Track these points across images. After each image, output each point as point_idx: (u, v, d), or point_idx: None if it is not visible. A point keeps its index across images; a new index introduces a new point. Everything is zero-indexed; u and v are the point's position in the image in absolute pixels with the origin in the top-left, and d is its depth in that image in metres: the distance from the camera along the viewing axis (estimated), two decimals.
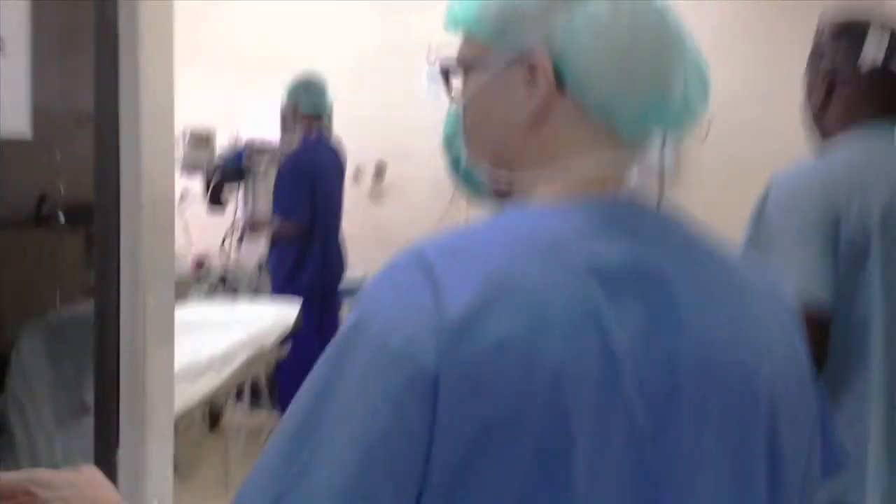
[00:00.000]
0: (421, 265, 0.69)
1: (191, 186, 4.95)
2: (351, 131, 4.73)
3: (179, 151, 4.14)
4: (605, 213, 0.76)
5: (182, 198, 5.16)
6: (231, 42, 5.43)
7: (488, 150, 0.83)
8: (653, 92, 0.77)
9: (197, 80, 5.35)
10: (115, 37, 1.02)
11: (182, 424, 2.72)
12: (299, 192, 3.97)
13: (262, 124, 4.72)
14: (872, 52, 1.58)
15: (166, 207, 1.09)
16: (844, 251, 1.49)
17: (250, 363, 3.18)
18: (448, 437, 0.64)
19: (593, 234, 0.74)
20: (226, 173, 4.27)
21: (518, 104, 0.79)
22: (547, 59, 0.77)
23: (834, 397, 1.50)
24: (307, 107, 4.06)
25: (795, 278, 1.47)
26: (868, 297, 1.49)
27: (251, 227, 4.33)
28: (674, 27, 0.79)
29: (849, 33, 1.62)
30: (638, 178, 0.82)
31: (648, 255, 0.74)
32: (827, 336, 1.49)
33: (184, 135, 4.21)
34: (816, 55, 1.67)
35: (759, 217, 1.56)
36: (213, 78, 5.35)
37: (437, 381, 0.64)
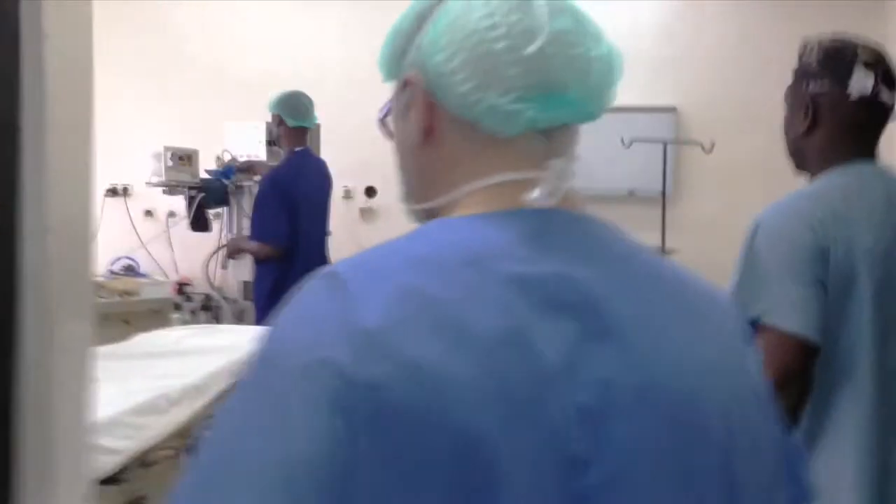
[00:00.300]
0: (332, 282, 0.67)
1: (177, 207, 4.84)
2: (341, 151, 4.62)
3: (161, 171, 4.02)
4: (531, 225, 0.73)
5: (169, 217, 5.07)
6: (217, 63, 5.33)
7: (412, 183, 0.84)
8: (519, 87, 0.73)
9: (181, 99, 5.27)
10: (16, 36, 0.89)
11: (156, 457, 2.59)
12: (279, 213, 3.77)
13: (248, 144, 4.59)
14: (861, 80, 1.60)
15: (81, 231, 0.95)
16: (833, 284, 1.53)
17: (229, 391, 3.04)
18: (366, 461, 0.60)
19: (517, 246, 0.70)
20: (209, 194, 4.12)
21: (414, 127, 0.80)
22: (418, 73, 0.78)
23: (818, 425, 1.55)
24: (294, 120, 3.90)
25: (789, 315, 1.52)
26: (856, 329, 1.54)
27: (231, 252, 4.10)
28: (550, 16, 0.74)
29: (838, 59, 1.63)
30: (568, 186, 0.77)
31: (579, 268, 0.70)
32: (813, 369, 1.54)
33: (164, 154, 4.08)
34: (802, 78, 1.68)
35: (750, 255, 1.58)
36: (197, 98, 5.25)
37: (355, 391, 0.61)
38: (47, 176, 0.88)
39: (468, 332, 0.64)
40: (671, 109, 4.93)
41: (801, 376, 1.52)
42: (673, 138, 4.85)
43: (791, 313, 1.51)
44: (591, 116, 0.77)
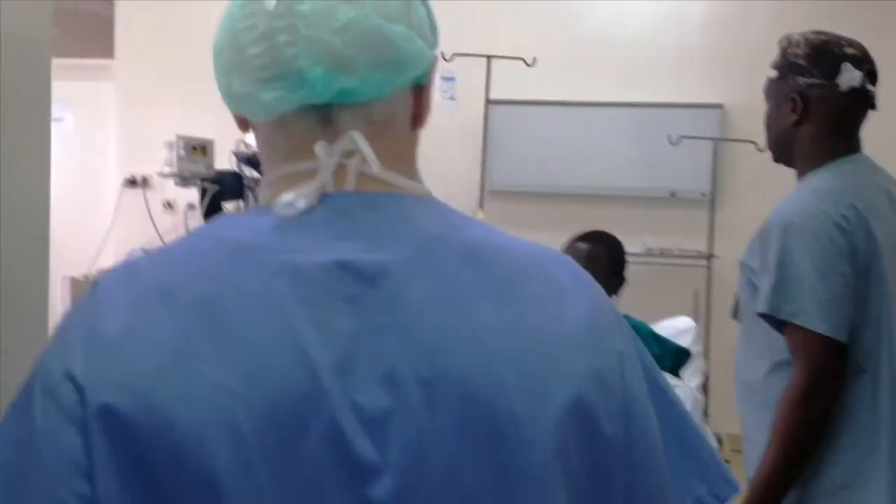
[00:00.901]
0: (93, 292, 0.67)
1: (197, 199, 4.66)
2: None
3: (173, 161, 3.83)
4: (313, 214, 0.69)
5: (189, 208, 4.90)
6: None
7: None
8: (257, 68, 0.69)
9: (204, 88, 5.08)
10: None
11: None
12: None
13: None
14: (850, 73, 1.68)
15: (35, 243, 0.79)
16: (858, 282, 1.60)
17: None
18: (105, 487, 0.58)
19: (291, 237, 0.67)
20: (224, 187, 3.92)
21: None
22: None
23: (839, 419, 1.61)
24: None
25: (820, 317, 1.57)
26: (875, 323, 1.60)
27: None
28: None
29: (826, 53, 1.70)
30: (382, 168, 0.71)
31: (366, 254, 0.67)
32: (845, 368, 1.60)
33: (176, 143, 3.87)
34: (789, 72, 1.74)
35: (780, 257, 1.62)
36: (211, 84, 5.05)
37: (89, 407, 0.59)
38: None
39: (221, 330, 0.61)
40: (717, 106, 4.66)
41: (834, 376, 1.58)
42: (720, 136, 4.58)
43: (822, 315, 1.57)
44: (351, 95, 0.70)
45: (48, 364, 0.64)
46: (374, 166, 0.70)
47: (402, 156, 0.75)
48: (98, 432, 0.59)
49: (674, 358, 2.18)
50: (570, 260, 0.78)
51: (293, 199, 0.68)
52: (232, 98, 0.73)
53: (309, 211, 0.69)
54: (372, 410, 0.62)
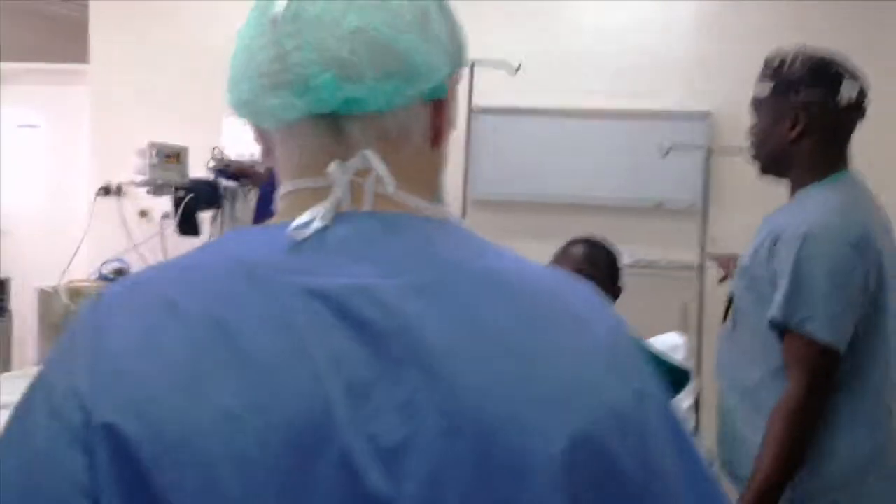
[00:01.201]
0: (95, 306, 0.66)
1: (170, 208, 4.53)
2: None
3: (145, 169, 3.70)
4: (330, 234, 0.67)
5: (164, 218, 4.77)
6: (210, 49, 5.01)
7: None
8: (267, 74, 0.69)
9: (183, 94, 4.96)
10: None
11: None
12: None
13: (243, 141, 4.26)
14: (850, 88, 1.75)
15: None
16: (866, 298, 1.69)
17: None
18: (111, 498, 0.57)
19: (307, 255, 0.66)
20: (199, 195, 3.79)
21: None
22: None
23: (838, 417, 1.69)
24: None
25: (829, 329, 1.65)
26: (882, 335, 1.71)
27: None
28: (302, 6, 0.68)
29: (826, 69, 1.77)
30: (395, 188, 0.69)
31: (383, 278, 0.64)
32: (836, 371, 1.69)
33: (149, 151, 3.75)
34: (788, 88, 1.79)
35: (797, 270, 1.67)
36: (188, 89, 4.92)
37: (93, 428, 0.58)
38: None
39: (232, 351, 0.59)
40: (705, 115, 4.58)
41: (829, 384, 1.67)
42: (709, 145, 4.50)
43: (831, 327, 1.65)
44: (359, 105, 0.68)
45: (51, 379, 0.62)
46: (390, 187, 0.69)
47: (419, 175, 0.73)
48: (102, 453, 0.57)
49: (669, 379, 2.08)
50: (585, 286, 0.75)
51: (308, 219, 0.67)
52: (241, 105, 0.73)
53: (323, 230, 0.67)
54: (387, 441, 0.60)
